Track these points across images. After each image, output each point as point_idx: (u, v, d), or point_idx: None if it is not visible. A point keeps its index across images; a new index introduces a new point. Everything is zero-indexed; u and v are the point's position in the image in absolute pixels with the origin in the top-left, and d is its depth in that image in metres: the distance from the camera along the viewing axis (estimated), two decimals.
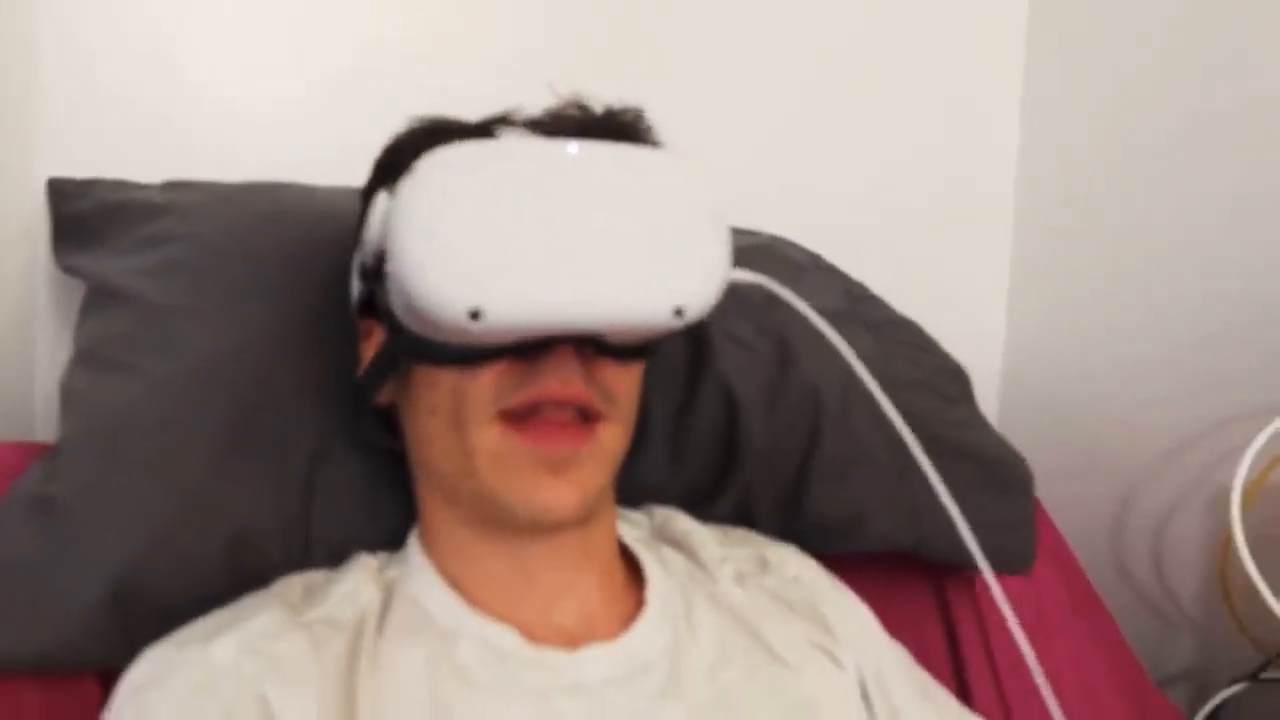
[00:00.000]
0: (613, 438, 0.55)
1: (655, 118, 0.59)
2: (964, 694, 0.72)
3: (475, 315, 0.47)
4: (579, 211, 0.49)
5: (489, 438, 0.52)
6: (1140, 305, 0.99)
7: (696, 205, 0.52)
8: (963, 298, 1.11)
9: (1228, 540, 0.81)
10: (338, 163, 0.69)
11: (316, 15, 0.87)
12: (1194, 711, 0.87)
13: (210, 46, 0.84)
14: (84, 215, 0.72)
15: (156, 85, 0.82)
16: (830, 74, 1.04)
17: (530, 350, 0.51)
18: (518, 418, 0.52)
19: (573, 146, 0.50)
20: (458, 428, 0.53)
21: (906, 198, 1.07)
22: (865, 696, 0.59)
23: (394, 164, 0.56)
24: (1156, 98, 0.98)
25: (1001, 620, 0.53)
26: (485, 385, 0.52)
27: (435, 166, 0.48)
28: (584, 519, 0.55)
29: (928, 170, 1.08)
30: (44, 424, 0.80)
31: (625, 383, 0.55)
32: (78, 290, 0.71)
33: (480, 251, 0.47)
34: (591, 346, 0.52)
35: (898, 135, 1.07)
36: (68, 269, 0.72)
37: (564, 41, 0.94)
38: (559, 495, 0.52)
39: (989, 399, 1.12)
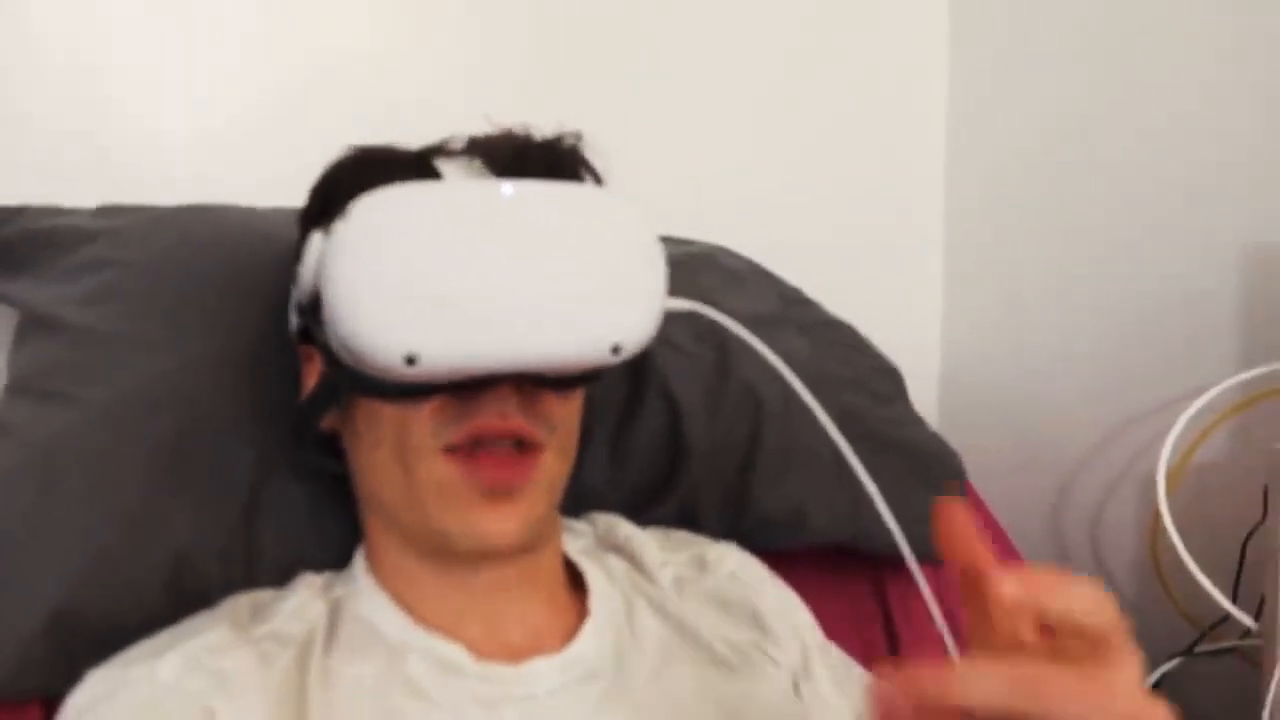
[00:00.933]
0: (554, 464, 0.55)
1: (597, 131, 0.59)
2: None
3: (411, 361, 0.47)
4: (514, 254, 0.48)
5: (433, 470, 0.52)
6: (1068, 306, 1.03)
7: (632, 241, 0.51)
8: (899, 305, 1.13)
9: (1157, 521, 0.84)
10: (273, 185, 0.68)
11: (247, 34, 0.86)
12: None
13: (134, 69, 0.83)
14: (11, 242, 0.70)
15: (81, 109, 0.81)
16: (766, 87, 1.06)
17: (469, 386, 0.51)
18: (460, 450, 0.52)
19: (507, 187, 0.50)
20: (401, 460, 0.53)
21: (840, 209, 1.09)
22: (797, 690, 0.61)
23: (329, 199, 0.56)
24: (1079, 106, 1.01)
25: (942, 610, 0.55)
26: (425, 419, 0.52)
27: (368, 210, 0.48)
28: (528, 546, 0.55)
29: (859, 182, 1.11)
30: None
31: (566, 410, 0.56)
32: (9, 318, 0.70)
33: (414, 297, 0.47)
34: (531, 381, 0.52)
35: (830, 145, 1.09)
36: None
37: (504, 56, 0.95)
38: (500, 526, 0.52)
39: (929, 400, 1.15)
